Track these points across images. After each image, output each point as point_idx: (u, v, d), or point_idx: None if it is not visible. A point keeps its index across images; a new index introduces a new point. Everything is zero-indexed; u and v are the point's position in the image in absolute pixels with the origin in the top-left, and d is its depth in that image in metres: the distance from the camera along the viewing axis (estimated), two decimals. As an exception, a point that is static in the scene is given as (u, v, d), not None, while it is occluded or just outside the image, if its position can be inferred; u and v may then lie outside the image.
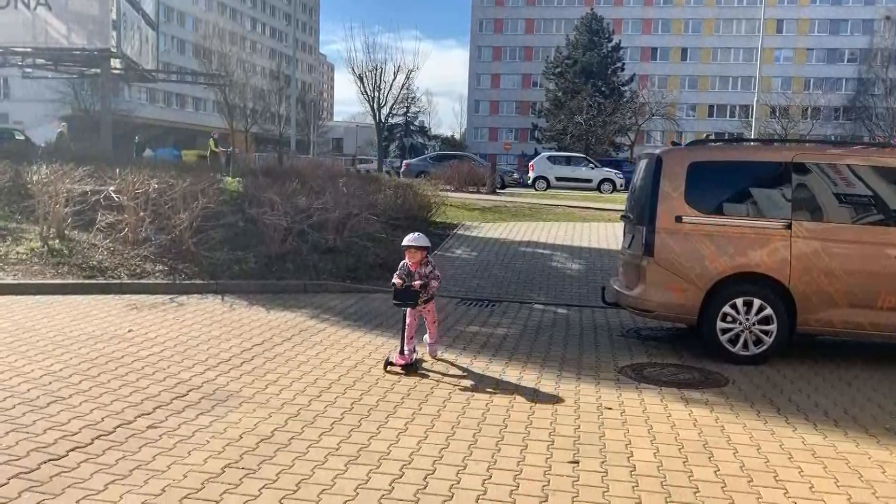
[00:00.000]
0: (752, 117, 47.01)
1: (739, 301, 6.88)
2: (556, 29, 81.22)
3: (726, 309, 6.89)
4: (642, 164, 7.90)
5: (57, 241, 10.63)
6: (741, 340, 6.88)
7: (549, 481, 4.10)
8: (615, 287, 7.90)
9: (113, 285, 9.26)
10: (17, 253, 10.19)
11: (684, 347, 7.52)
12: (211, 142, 28.05)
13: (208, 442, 4.48)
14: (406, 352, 6.28)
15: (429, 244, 6.52)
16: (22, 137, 30.14)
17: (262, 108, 62.59)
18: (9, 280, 9.17)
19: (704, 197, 7.10)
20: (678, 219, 7.01)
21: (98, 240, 10.68)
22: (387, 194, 14.91)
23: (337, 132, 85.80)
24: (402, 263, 6.50)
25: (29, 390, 5.26)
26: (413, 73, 53.41)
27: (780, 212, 6.97)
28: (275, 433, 4.68)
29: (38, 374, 5.65)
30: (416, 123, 76.19)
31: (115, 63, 24.59)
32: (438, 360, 6.63)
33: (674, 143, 8.68)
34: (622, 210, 9.15)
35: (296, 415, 5.04)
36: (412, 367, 6.18)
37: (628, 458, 4.49)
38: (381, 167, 40.47)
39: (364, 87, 50.19)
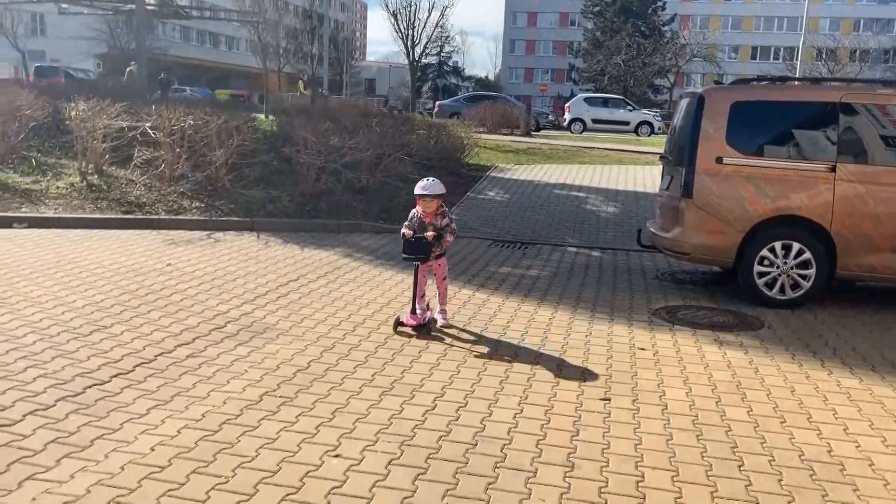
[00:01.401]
0: (797, 60, 45.40)
1: (778, 245, 6.76)
2: (595, -35, 78.57)
3: (764, 252, 6.78)
4: (683, 103, 7.70)
5: (95, 176, 10.78)
6: (778, 284, 6.79)
7: (580, 417, 4.13)
8: (651, 229, 7.81)
9: (151, 220, 9.40)
10: (58, 188, 10.36)
11: (719, 291, 7.45)
12: (300, 84, 28.41)
13: (246, 371, 4.58)
14: (419, 311, 5.63)
15: (444, 192, 5.67)
16: (82, 75, 30.24)
17: (295, 48, 62.01)
18: (50, 214, 9.35)
19: (746, 138, 6.92)
20: (718, 160, 6.85)
21: (135, 176, 10.80)
22: (420, 135, 14.79)
23: (369, 72, 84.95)
24: (412, 213, 5.76)
25: (72, 319, 5.41)
26: (448, 9, 52.43)
27: (824, 154, 6.78)
28: (311, 364, 4.76)
29: (80, 304, 5.80)
30: (450, 64, 75.10)
31: (150, -5, 24.46)
32: (445, 328, 5.72)
33: (716, 83, 8.43)
34: (660, 152, 8.97)
35: (331, 347, 5.13)
36: (424, 329, 5.54)
37: (660, 396, 4.50)
38: (414, 108, 40.10)
39: (398, 25, 49.42)
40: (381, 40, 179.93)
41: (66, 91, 15.36)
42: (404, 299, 6.52)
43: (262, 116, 18.13)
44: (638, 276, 8.02)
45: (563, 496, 3.23)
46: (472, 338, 5.55)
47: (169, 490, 3.12)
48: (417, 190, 5.62)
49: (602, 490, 3.31)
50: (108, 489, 3.10)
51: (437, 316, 5.83)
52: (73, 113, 11.16)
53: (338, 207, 10.48)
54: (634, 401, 4.41)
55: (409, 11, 49.11)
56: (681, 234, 7.09)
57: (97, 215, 9.43)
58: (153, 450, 3.49)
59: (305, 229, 9.59)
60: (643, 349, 5.44)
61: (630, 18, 60.51)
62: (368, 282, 7.14)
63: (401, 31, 49.33)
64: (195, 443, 3.58)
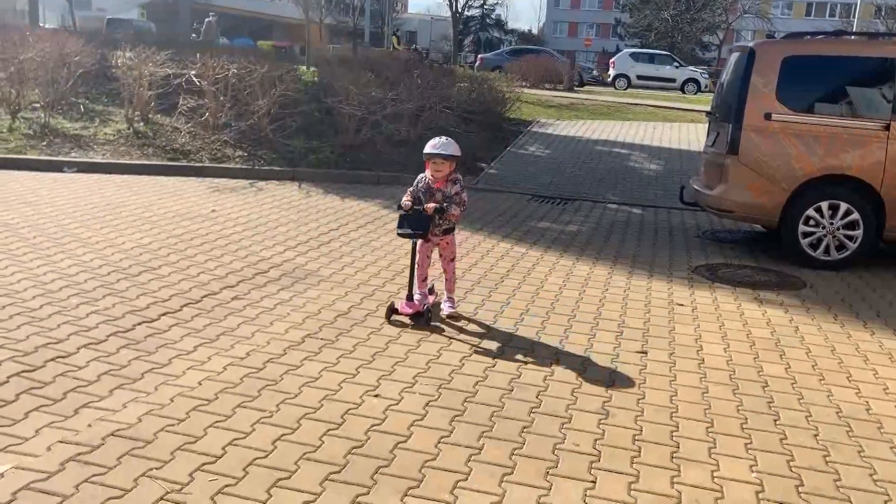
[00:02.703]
0: (854, 17, 43.65)
1: (825, 204, 6.63)
2: (645, -83, 75.95)
3: (810, 212, 6.66)
4: (733, 57, 7.51)
5: (141, 123, 10.95)
6: (823, 245, 6.67)
7: (615, 367, 4.16)
8: (695, 186, 7.70)
9: (195, 168, 9.56)
10: (105, 134, 10.56)
11: (761, 250, 7.35)
12: (394, 39, 28.49)
13: (289, 314, 4.70)
14: (417, 297, 4.81)
15: (459, 154, 4.76)
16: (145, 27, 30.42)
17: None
18: (99, 159, 9.56)
19: (797, 94, 6.74)
20: (767, 116, 6.70)
21: (180, 123, 10.95)
22: (461, 88, 14.67)
23: (411, 25, 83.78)
24: (419, 177, 4.87)
25: (121, 260, 5.58)
26: None
27: (878, 112, 6.58)
28: (350, 310, 4.86)
29: (129, 247, 5.97)
30: (493, 17, 73.76)
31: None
32: (452, 318, 4.83)
33: (768, 37, 8.18)
34: (707, 110, 8.79)
35: (370, 294, 5.21)
36: (422, 318, 4.64)
37: (697, 351, 4.50)
38: (456, 61, 39.64)
39: None
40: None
41: (114, 40, 15.53)
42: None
43: (304, 67, 18.13)
44: (679, 234, 7.94)
45: (597, 442, 3.28)
46: (492, 316, 5.57)
47: (216, 421, 3.25)
48: (428, 149, 4.70)
49: (636, 437, 3.35)
50: (158, 419, 3.24)
51: (444, 304, 4.95)
52: (119, 61, 11.31)
53: (378, 159, 10.51)
54: (671, 354, 4.42)
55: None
56: (725, 192, 6.99)
57: (143, 161, 9.61)
58: (200, 384, 3.62)
59: (346, 180, 9.66)
60: (682, 305, 5.42)
61: (679, -28, 58.56)
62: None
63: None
64: (240, 379, 3.70)
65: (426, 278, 5.03)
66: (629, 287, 5.82)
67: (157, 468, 2.86)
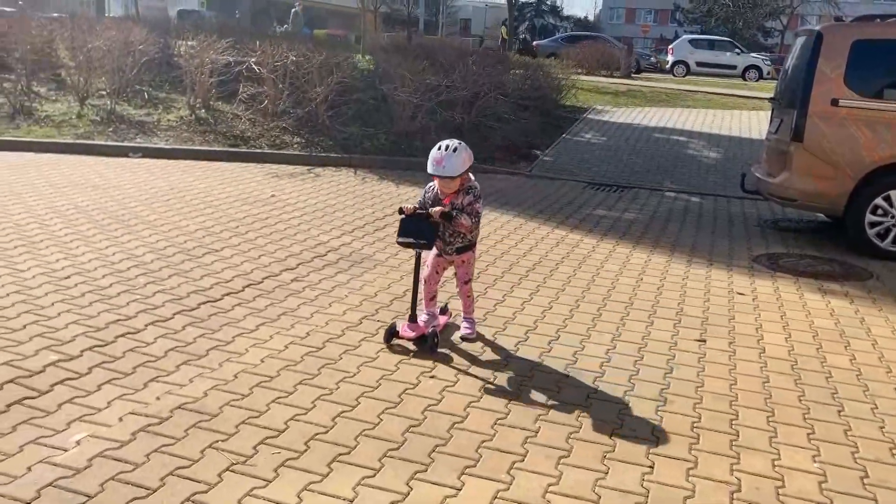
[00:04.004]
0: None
1: (894, 193, 6.41)
2: None
3: (878, 201, 6.45)
4: (799, 41, 7.30)
5: (203, 110, 11.20)
6: (892, 235, 6.46)
7: (674, 356, 4.12)
8: (757, 174, 7.53)
9: (255, 154, 9.76)
10: (168, 120, 10.85)
11: (825, 240, 7.15)
12: (503, 29, 29.38)
13: (347, 296, 4.77)
14: (423, 318, 4.17)
15: (467, 165, 3.95)
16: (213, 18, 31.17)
17: (393, -11, 61.69)
18: (162, 145, 9.83)
19: (866, 79, 6.51)
20: (834, 102, 6.50)
21: (240, 110, 11.17)
22: (516, 75, 14.57)
23: (465, 12, 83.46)
24: (428, 186, 4.17)
25: (185, 242, 5.75)
26: None
27: (954, 97, 6.32)
28: (406, 293, 4.90)
29: (192, 229, 6.14)
30: (548, 3, 72.94)
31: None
32: (468, 340, 4.18)
33: (837, 20, 7.92)
34: (770, 97, 8.56)
35: (426, 279, 5.25)
36: (426, 342, 3.97)
37: (758, 340, 4.42)
38: (511, 47, 39.37)
39: None
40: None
41: (176, 28, 15.89)
42: (498, 236, 6.58)
43: (360, 55, 18.26)
44: (739, 223, 7.78)
45: (654, 430, 3.26)
46: (545, 304, 5.55)
47: (278, 397, 3.34)
48: (429, 167, 3.93)
49: (694, 424, 3.32)
50: (223, 393, 3.35)
51: (462, 325, 4.29)
52: (182, 49, 11.57)
53: (432, 146, 10.51)
54: (731, 343, 4.35)
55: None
56: (788, 180, 6.81)
57: (205, 147, 9.85)
58: (262, 361, 3.72)
59: (401, 167, 9.72)
60: (742, 294, 5.32)
61: (742, -45, 56.86)
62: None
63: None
64: (301, 357, 3.79)
65: (435, 296, 4.29)
66: (687, 275, 5.74)
67: (222, 440, 2.95)
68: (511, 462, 2.92)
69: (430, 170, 3.93)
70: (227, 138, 10.23)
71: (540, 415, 3.32)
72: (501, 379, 3.68)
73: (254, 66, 10.60)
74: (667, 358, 4.08)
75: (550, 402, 3.45)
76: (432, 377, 3.65)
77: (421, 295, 4.18)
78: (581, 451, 3.04)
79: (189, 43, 11.40)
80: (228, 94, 11.49)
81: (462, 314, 4.32)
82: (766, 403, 3.57)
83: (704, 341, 4.37)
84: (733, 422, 3.37)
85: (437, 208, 3.95)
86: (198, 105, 11.24)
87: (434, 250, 4.15)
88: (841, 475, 2.97)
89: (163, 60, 13.28)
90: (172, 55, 12.84)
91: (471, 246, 4.18)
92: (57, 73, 12.61)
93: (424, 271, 4.18)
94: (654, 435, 3.21)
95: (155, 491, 2.60)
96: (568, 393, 3.56)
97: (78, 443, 2.87)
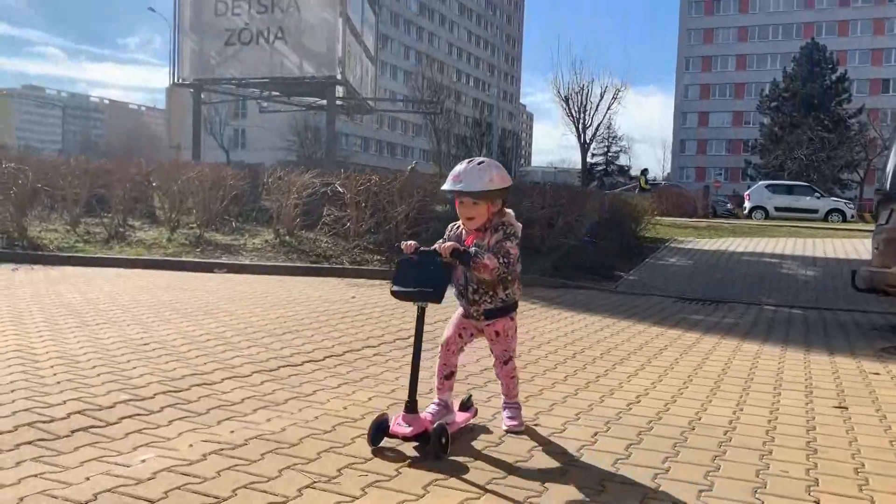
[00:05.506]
0: None
1: None
2: (770, 64, 76.82)
3: None
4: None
5: (287, 236, 11.44)
6: None
7: (813, 417, 3.55)
8: (869, 269, 6.97)
9: (336, 269, 9.75)
10: (254, 244, 11.09)
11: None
12: (641, 179, 31.48)
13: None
14: (432, 408, 3.06)
15: (498, 187, 2.90)
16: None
17: (465, 154, 64.98)
18: (246, 262, 9.97)
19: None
20: (950, 182, 6.07)
21: (323, 234, 11.36)
22: (593, 204, 14.56)
23: (535, 176, 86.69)
24: (450, 226, 3.13)
25: (267, 324, 5.58)
26: (620, 92, 54.04)
27: None
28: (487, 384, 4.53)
29: (273, 316, 5.99)
30: (616, 163, 74.93)
31: (339, 91, 26.56)
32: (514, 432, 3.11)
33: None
34: (856, 231, 8.14)
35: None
36: (429, 442, 2.73)
37: (911, 408, 3.80)
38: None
39: (569, 110, 51.99)
40: (546, 149, 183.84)
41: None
42: (585, 332, 6.16)
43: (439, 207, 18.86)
44: (852, 328, 7.12)
45: (810, 471, 2.71)
46: (648, 382, 5.06)
47: (361, 434, 2.96)
48: (447, 182, 2.93)
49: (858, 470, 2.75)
50: (303, 429, 2.99)
51: (504, 416, 3.18)
52: (269, 180, 12.06)
53: (514, 264, 10.35)
54: (877, 410, 3.75)
55: (581, 95, 51.72)
56: (908, 268, 6.26)
57: (288, 263, 9.93)
58: (345, 408, 3.37)
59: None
60: (877, 374, 4.71)
61: (812, 112, 57.74)
62: (545, 318, 6.87)
63: (572, 115, 52.11)
64: (387, 407, 3.43)
65: (452, 374, 3.13)
66: (808, 360, 5.15)
67: (302, 464, 2.58)
68: None
69: (444, 186, 2.93)
70: (310, 256, 10.33)
71: (667, 456, 2.82)
72: (614, 430, 3.19)
73: (339, 188, 10.88)
74: (808, 418, 3.50)
75: (677, 447, 2.93)
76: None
77: (432, 370, 3.13)
78: (725, 485, 2.51)
79: (278, 172, 11.87)
80: (313, 221, 11.75)
81: (503, 399, 3.24)
82: (943, 457, 2.96)
83: (846, 408, 3.78)
84: (907, 471, 2.78)
85: (449, 243, 2.86)
86: (283, 232, 11.50)
87: (459, 309, 3.13)
88: None
89: (250, 197, 13.87)
90: (260, 192, 13.39)
91: (506, 309, 3.03)
92: (151, 211, 13.27)
93: (445, 332, 3.10)
94: (810, 475, 2.65)
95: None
96: (698, 441, 3.04)
97: (143, 461, 2.55)
